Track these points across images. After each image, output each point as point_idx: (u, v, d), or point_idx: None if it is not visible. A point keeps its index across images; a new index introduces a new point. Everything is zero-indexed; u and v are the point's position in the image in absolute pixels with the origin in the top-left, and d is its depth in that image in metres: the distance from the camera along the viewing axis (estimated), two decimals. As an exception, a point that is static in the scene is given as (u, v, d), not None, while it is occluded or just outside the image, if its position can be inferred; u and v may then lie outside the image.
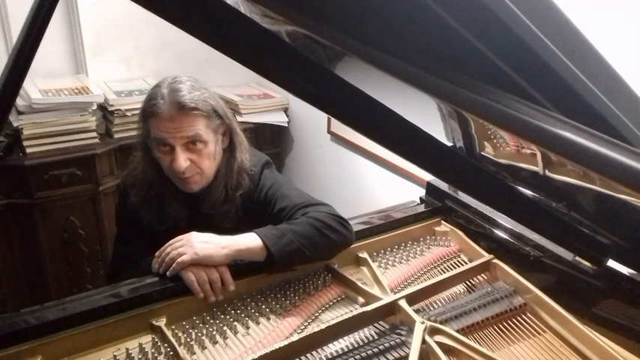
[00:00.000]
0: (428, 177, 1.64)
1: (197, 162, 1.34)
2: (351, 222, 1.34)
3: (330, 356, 1.06)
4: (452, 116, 1.41)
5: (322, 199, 1.38)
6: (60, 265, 2.34)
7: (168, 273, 1.17)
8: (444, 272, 1.34)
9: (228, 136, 1.43)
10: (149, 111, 1.31)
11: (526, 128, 0.62)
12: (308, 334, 1.08)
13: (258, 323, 1.17)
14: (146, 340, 1.10)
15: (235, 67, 0.80)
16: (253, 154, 1.50)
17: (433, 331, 1.11)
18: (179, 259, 1.16)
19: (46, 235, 2.27)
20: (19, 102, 2.15)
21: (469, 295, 1.26)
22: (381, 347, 1.07)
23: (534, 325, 1.17)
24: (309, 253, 1.22)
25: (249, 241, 1.21)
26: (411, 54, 0.63)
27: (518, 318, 1.20)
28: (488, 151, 1.39)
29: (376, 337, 1.12)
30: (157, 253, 1.23)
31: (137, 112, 2.29)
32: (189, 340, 1.11)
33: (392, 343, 1.09)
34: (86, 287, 2.37)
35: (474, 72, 0.65)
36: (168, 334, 1.09)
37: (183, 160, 1.31)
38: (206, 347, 1.11)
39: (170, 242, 1.21)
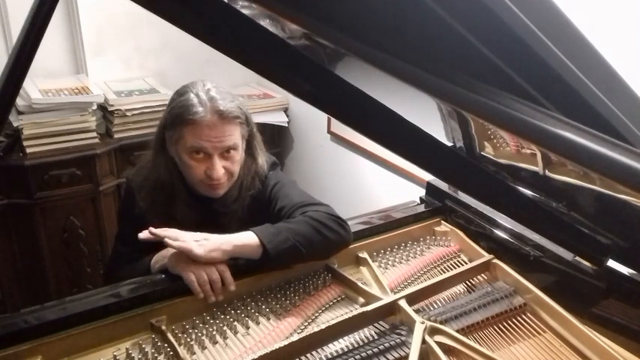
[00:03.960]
0: (428, 177, 1.64)
1: (230, 168, 1.35)
2: (351, 222, 1.34)
3: (330, 356, 1.06)
4: (452, 116, 1.41)
5: (322, 199, 1.38)
6: (60, 265, 2.34)
7: (170, 242, 1.18)
8: (444, 272, 1.34)
9: (247, 140, 1.43)
10: (189, 118, 1.28)
11: (526, 128, 0.62)
12: (308, 334, 1.07)
13: (258, 323, 1.17)
14: (146, 340, 1.10)
15: (235, 67, 0.80)
16: None
17: (433, 331, 1.11)
18: (186, 245, 1.17)
19: (46, 235, 2.27)
20: (19, 102, 2.15)
21: (469, 295, 1.26)
22: (381, 347, 1.07)
23: (534, 325, 1.17)
24: (306, 251, 1.22)
25: (246, 238, 1.21)
26: (411, 54, 0.63)
27: (518, 318, 1.20)
28: (488, 151, 1.39)
29: (376, 337, 1.12)
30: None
31: (137, 112, 2.35)
32: (189, 340, 1.11)
33: (392, 343, 1.08)
34: (86, 287, 2.37)
35: (474, 72, 0.65)
36: (169, 334, 1.09)
37: (220, 167, 1.32)
38: (206, 347, 1.11)
39: (173, 231, 1.21)
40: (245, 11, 0.69)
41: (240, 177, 1.42)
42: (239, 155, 1.37)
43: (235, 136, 1.33)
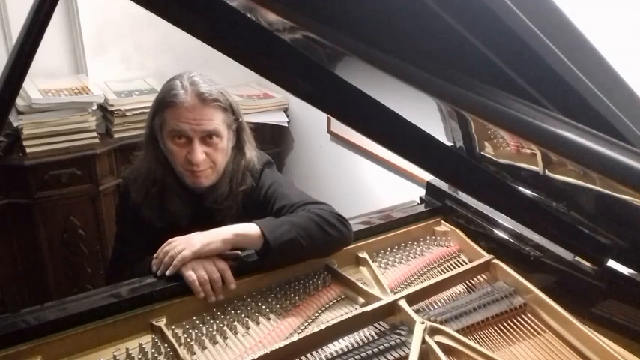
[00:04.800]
0: (428, 177, 1.64)
1: (212, 156, 1.36)
2: (351, 222, 1.34)
3: (330, 356, 1.06)
4: (452, 116, 1.41)
5: (322, 199, 1.38)
6: (60, 265, 2.34)
7: (168, 271, 1.17)
8: (444, 272, 1.34)
9: (236, 133, 1.44)
10: (169, 101, 1.31)
11: (526, 128, 0.62)
12: (308, 334, 1.07)
13: (258, 323, 1.17)
14: (146, 340, 1.10)
15: (235, 67, 0.80)
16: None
17: (433, 331, 1.10)
18: (179, 256, 1.15)
19: (46, 236, 2.27)
20: (19, 102, 2.15)
21: (469, 295, 1.26)
22: (381, 347, 1.07)
23: (534, 325, 1.17)
24: (306, 244, 1.21)
25: (247, 228, 1.21)
26: (411, 54, 0.63)
27: (518, 318, 1.20)
28: (488, 151, 1.39)
29: (376, 337, 1.12)
30: (155, 255, 1.23)
31: (137, 112, 2.35)
32: (189, 340, 1.11)
33: (392, 343, 1.08)
34: (86, 287, 2.37)
35: (474, 72, 0.65)
36: (168, 334, 1.09)
37: (200, 152, 1.33)
38: (206, 347, 1.11)
39: (168, 242, 1.21)
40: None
41: (229, 172, 1.42)
42: (222, 144, 1.37)
43: (216, 122, 1.34)
